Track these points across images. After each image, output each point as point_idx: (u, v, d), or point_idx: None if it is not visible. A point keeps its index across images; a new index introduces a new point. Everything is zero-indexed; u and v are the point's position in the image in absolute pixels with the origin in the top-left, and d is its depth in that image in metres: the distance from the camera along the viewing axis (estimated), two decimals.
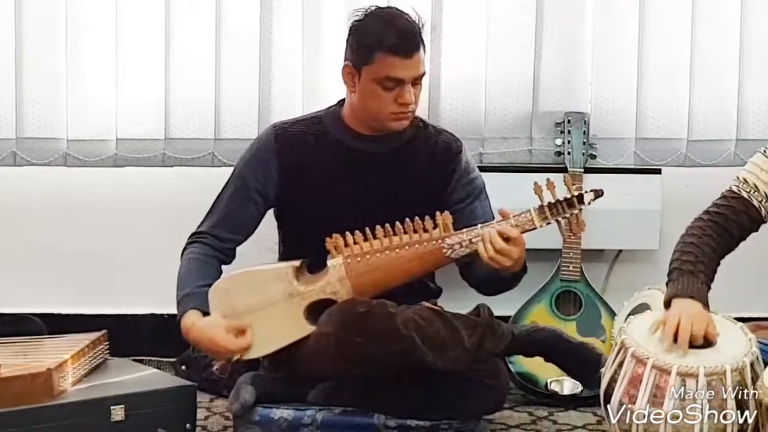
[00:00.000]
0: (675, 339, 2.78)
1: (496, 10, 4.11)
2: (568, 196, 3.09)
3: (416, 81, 3.28)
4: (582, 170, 4.01)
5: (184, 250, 3.38)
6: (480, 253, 3.11)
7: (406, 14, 3.31)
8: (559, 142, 4.09)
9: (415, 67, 3.26)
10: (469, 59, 4.12)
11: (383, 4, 3.67)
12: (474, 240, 3.13)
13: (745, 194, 3.05)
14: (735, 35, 4.12)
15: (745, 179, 3.06)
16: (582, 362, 3.29)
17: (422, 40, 3.29)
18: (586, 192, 3.09)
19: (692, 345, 2.79)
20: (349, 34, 3.33)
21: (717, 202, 3.08)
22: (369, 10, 3.33)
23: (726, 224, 3.02)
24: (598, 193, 3.10)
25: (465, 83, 4.12)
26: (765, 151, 3.08)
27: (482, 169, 3.60)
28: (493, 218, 3.31)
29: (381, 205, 3.30)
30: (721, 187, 3.13)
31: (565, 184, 3.09)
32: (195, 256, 3.34)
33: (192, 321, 3.20)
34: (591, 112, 4.14)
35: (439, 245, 3.15)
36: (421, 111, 3.81)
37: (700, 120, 4.15)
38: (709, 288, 2.94)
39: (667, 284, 2.96)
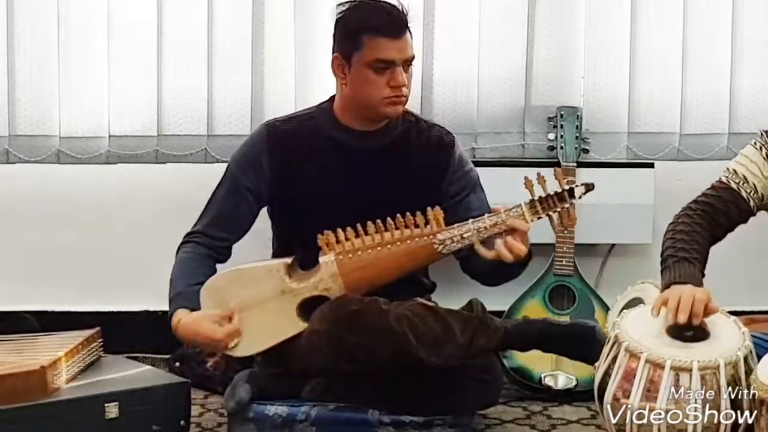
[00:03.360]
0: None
1: (488, 5, 4.11)
2: (559, 190, 3.09)
3: (406, 64, 3.29)
4: (575, 164, 4.01)
5: (178, 249, 3.38)
6: (503, 258, 3.11)
7: (389, 2, 3.33)
8: (551, 136, 4.09)
9: (404, 48, 3.28)
10: (462, 54, 4.12)
11: None
12: (465, 235, 3.13)
13: (734, 185, 3.06)
14: (727, 29, 4.13)
15: (735, 170, 3.08)
16: (578, 339, 3.25)
17: (408, 25, 3.30)
18: (576, 186, 3.09)
19: (687, 338, 2.80)
20: (335, 27, 3.35)
21: (706, 192, 3.10)
22: (352, 3, 3.35)
23: (715, 215, 3.04)
24: (589, 187, 3.10)
25: (457, 78, 4.12)
26: (755, 143, 3.10)
27: (475, 163, 3.60)
28: (489, 210, 3.32)
29: (374, 200, 3.30)
30: (713, 180, 3.15)
31: (556, 178, 3.09)
32: (188, 255, 3.35)
33: (178, 318, 3.21)
34: (583, 106, 4.14)
35: (430, 241, 3.15)
36: (414, 106, 3.82)
37: (693, 114, 4.15)
38: (702, 276, 2.94)
39: (662, 272, 2.96)
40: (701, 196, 3.10)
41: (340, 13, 3.34)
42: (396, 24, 3.26)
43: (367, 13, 3.30)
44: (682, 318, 2.77)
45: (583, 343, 3.22)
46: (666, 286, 2.90)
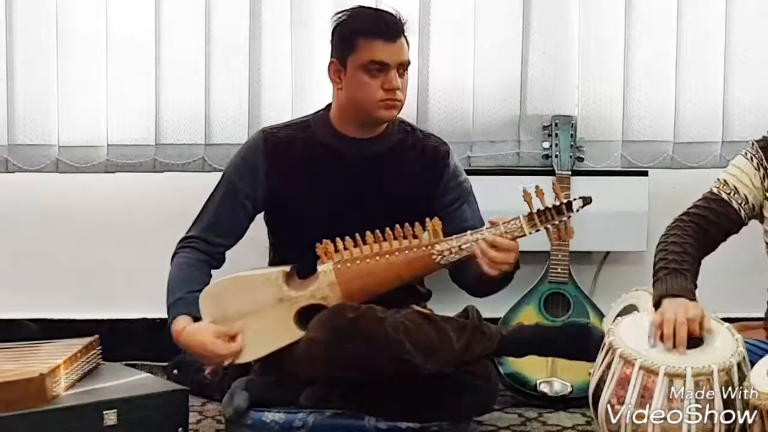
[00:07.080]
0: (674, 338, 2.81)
1: (483, 15, 4.13)
2: (557, 203, 3.10)
3: (401, 69, 3.31)
4: (569, 173, 4.03)
5: (174, 254, 3.39)
6: (482, 269, 3.13)
7: (387, 10, 3.37)
8: (546, 145, 4.10)
9: (398, 52, 3.30)
10: (457, 63, 4.14)
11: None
12: (464, 246, 3.14)
13: (725, 196, 3.08)
14: (720, 38, 4.15)
15: (725, 181, 3.10)
16: (573, 338, 3.26)
17: (404, 31, 3.32)
18: (574, 199, 3.09)
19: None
20: (333, 33, 3.38)
21: (697, 204, 3.11)
22: (349, 10, 3.39)
23: (706, 226, 3.05)
24: (587, 201, 3.11)
25: (453, 87, 4.14)
26: (746, 154, 3.12)
27: (470, 172, 3.63)
28: (482, 220, 3.34)
29: (368, 208, 3.32)
30: (707, 188, 3.16)
31: (554, 191, 3.11)
32: (185, 260, 3.35)
33: (182, 326, 3.21)
34: (578, 115, 4.16)
35: (428, 251, 3.16)
36: (409, 114, 3.84)
37: (687, 122, 4.17)
38: (695, 287, 2.96)
39: (653, 284, 2.98)
40: (693, 207, 3.11)
41: (338, 19, 3.37)
42: (391, 27, 3.29)
43: (364, 18, 3.35)
44: (682, 350, 2.79)
45: (579, 342, 3.21)
46: (657, 299, 2.92)
